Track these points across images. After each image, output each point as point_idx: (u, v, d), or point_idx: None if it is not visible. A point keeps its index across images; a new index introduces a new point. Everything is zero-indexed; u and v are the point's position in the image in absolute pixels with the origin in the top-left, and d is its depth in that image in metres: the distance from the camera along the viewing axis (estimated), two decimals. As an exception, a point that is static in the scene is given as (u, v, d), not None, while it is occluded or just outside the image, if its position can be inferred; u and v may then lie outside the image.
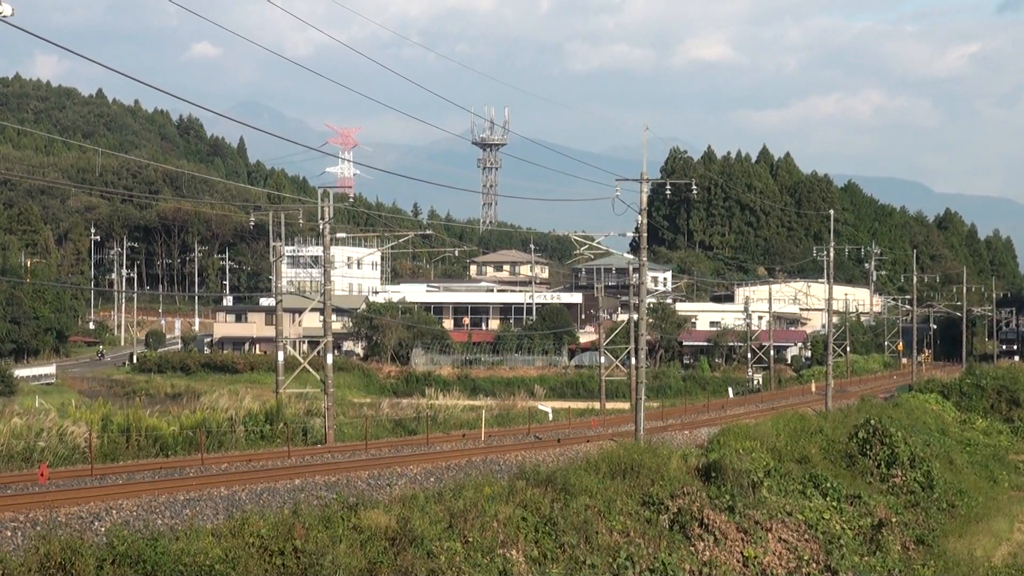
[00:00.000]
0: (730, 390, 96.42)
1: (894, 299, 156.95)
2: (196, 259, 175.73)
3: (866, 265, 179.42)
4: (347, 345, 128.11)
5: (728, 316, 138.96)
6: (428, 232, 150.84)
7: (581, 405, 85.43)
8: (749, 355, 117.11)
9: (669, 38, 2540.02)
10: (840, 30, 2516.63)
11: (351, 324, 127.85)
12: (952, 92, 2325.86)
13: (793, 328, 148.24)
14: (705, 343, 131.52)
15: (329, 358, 48.54)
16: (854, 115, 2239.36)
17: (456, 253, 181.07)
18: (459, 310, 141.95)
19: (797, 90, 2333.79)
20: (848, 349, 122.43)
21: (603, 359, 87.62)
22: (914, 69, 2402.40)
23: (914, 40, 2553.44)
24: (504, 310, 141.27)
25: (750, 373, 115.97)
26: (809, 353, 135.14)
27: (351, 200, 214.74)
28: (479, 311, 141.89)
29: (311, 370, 53.34)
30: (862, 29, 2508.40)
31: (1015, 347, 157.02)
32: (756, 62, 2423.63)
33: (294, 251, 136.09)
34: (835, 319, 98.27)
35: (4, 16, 21.77)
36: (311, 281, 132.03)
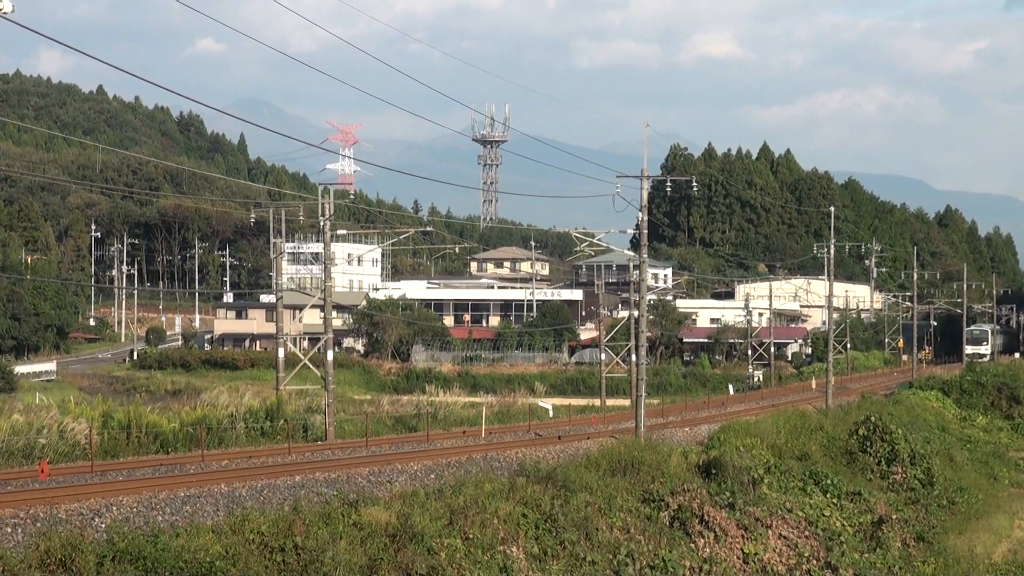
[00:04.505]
0: (730, 387, 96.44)
1: (894, 296, 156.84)
2: (196, 256, 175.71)
3: (866, 262, 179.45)
4: (348, 342, 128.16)
5: (728, 313, 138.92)
6: (429, 229, 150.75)
7: (581, 402, 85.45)
8: (749, 352, 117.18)
9: (676, 35, 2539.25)
10: (848, 26, 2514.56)
11: (352, 321, 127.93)
12: (959, 89, 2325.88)
13: (793, 325, 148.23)
14: (705, 340, 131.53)
15: (330, 355, 48.54)
16: (860, 112, 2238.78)
17: (456, 250, 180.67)
18: (459, 307, 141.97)
19: (803, 87, 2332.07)
20: (848, 346, 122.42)
21: (603, 356, 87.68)
22: (921, 66, 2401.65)
23: (922, 36, 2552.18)
24: (505, 307, 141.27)
25: (750, 370, 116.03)
26: (809, 350, 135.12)
27: (351, 197, 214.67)
28: (480, 308, 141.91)
29: (311, 367, 53.37)
30: (870, 25, 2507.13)
31: (983, 347, 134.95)
32: (763, 59, 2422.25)
33: (294, 248, 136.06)
34: (835, 316, 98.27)
35: (4, 12, 21.74)
36: (311, 278, 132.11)
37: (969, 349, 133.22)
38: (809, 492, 41.76)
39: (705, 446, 45.21)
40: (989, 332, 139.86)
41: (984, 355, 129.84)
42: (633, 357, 74.07)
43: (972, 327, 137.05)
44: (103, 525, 24.39)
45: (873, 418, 52.00)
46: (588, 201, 57.31)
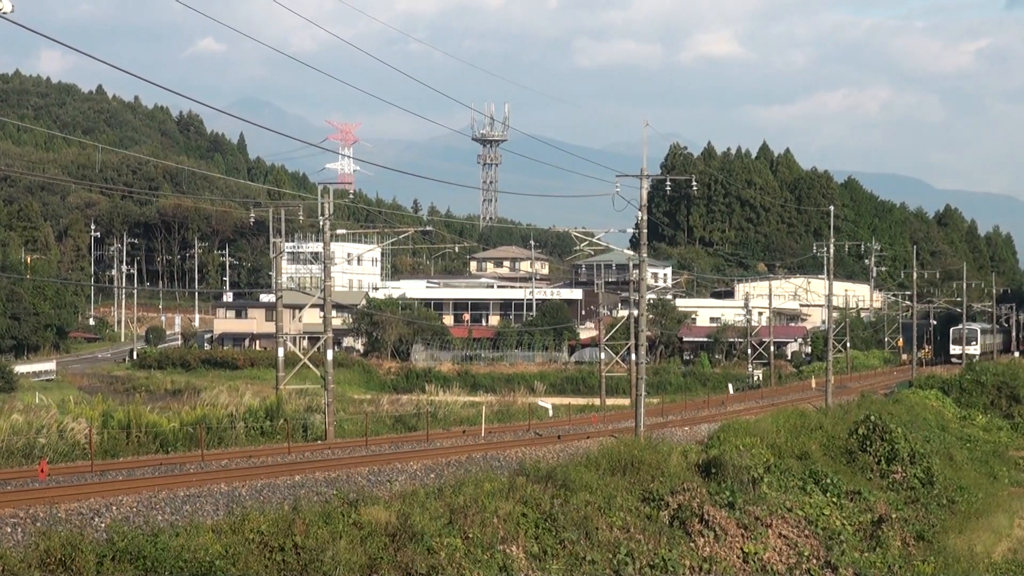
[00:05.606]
0: (730, 386, 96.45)
1: (894, 295, 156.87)
2: (196, 255, 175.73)
3: (866, 261, 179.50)
4: (347, 341, 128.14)
5: (728, 312, 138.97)
6: (428, 228, 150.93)
7: (581, 401, 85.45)
8: (749, 351, 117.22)
9: (677, 34, 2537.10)
10: (850, 26, 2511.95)
11: (351, 320, 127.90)
12: (960, 88, 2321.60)
13: (793, 324, 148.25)
14: (705, 339, 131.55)
15: (329, 354, 48.53)
16: (861, 111, 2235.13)
17: (456, 249, 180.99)
18: (459, 306, 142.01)
19: (804, 86, 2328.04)
20: (848, 345, 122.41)
21: (603, 355, 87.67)
22: (923, 65, 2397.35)
23: (923, 36, 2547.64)
24: (504, 306, 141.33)
25: (750, 369, 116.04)
26: (809, 349, 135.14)
27: (351, 196, 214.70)
28: (479, 307, 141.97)
29: (311, 366, 53.38)
30: (872, 25, 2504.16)
31: (972, 347, 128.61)
32: (764, 58, 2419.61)
33: (294, 247, 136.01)
34: (835, 315, 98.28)
35: (4, 12, 21.72)
36: (311, 277, 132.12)
37: (955, 349, 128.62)
38: (809, 491, 41.76)
39: (705, 445, 45.21)
40: (979, 331, 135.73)
41: (974, 355, 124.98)
42: (633, 356, 74.06)
43: (959, 326, 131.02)
44: (103, 525, 24.40)
45: (873, 417, 51.99)
46: (588, 200, 57.34)
